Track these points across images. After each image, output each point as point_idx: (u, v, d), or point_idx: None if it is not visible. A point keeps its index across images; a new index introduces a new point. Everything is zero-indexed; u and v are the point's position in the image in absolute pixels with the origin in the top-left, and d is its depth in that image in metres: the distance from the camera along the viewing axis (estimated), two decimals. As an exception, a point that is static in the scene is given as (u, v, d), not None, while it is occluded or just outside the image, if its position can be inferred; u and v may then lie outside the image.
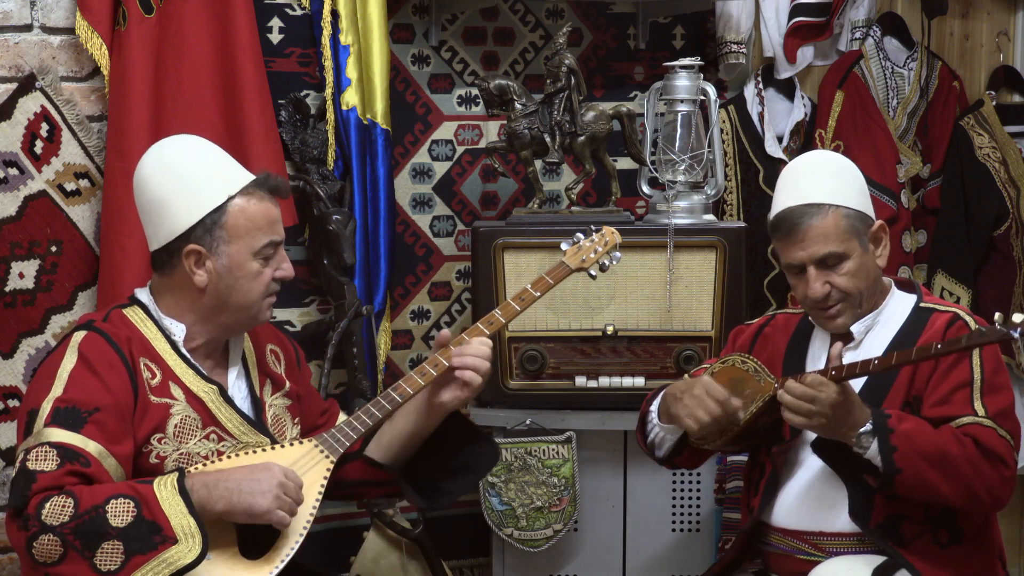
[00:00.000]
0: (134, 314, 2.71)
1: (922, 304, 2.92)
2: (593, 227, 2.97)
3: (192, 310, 2.70)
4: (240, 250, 2.66)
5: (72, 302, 3.47)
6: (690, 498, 3.70)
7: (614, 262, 2.96)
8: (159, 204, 2.68)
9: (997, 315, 2.56)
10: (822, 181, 2.87)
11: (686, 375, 3.03)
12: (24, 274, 3.41)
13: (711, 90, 3.73)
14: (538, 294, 2.85)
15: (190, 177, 2.68)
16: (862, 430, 2.67)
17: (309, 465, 2.66)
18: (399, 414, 2.80)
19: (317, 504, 2.63)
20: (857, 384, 2.77)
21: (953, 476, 2.67)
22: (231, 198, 2.66)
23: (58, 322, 3.44)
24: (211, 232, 2.65)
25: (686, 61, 3.72)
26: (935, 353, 2.64)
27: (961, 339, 2.62)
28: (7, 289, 3.39)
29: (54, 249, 3.44)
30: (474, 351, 2.74)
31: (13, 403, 3.40)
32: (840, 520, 2.82)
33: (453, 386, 2.75)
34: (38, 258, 3.43)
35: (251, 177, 2.71)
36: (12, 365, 3.41)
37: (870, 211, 2.90)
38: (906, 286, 2.99)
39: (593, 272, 2.94)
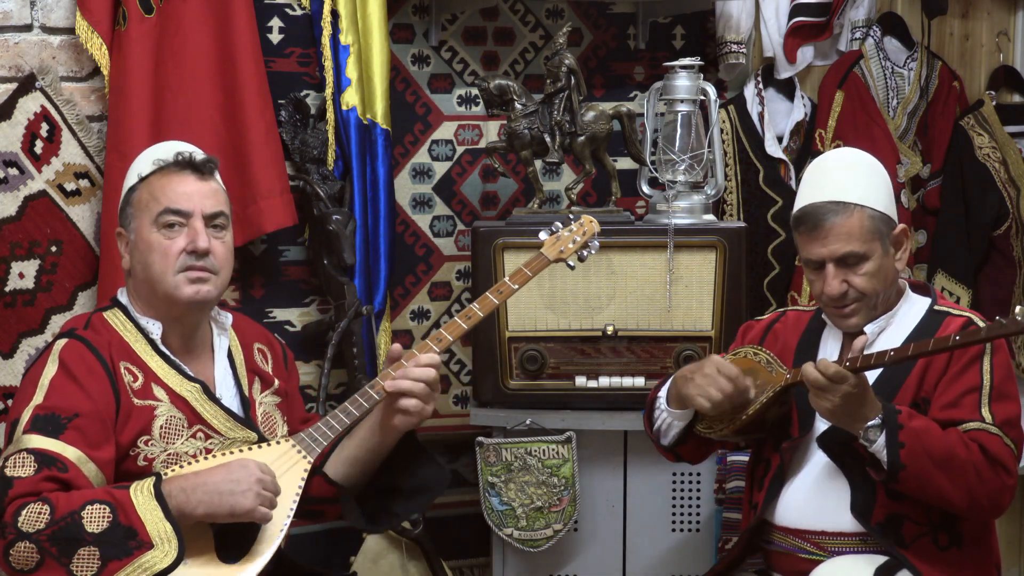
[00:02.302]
0: (114, 317, 2.72)
1: (936, 307, 2.92)
2: (571, 216, 2.96)
3: (138, 298, 2.72)
4: (142, 224, 2.69)
5: (72, 302, 3.47)
6: (690, 498, 3.70)
7: (592, 251, 2.95)
8: None
9: (1018, 308, 2.56)
10: (851, 179, 2.86)
11: None
12: (24, 274, 3.41)
13: (711, 90, 3.73)
14: (516, 286, 2.85)
15: (131, 170, 2.76)
16: (870, 423, 2.67)
17: (287, 465, 2.65)
18: (356, 432, 2.77)
19: (295, 505, 2.62)
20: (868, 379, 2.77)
21: (957, 479, 2.67)
22: (142, 178, 2.71)
23: (58, 322, 3.43)
24: (125, 212, 2.73)
25: (686, 61, 3.72)
26: (953, 345, 2.64)
27: (980, 330, 2.61)
28: (7, 289, 3.39)
29: (54, 249, 3.44)
30: (412, 375, 2.67)
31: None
32: (843, 520, 2.82)
33: (400, 412, 2.70)
34: (38, 258, 3.42)
35: (165, 159, 2.73)
36: (12, 365, 3.41)
37: (894, 214, 2.89)
38: (920, 289, 2.99)
39: (571, 262, 2.93)
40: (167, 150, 2.75)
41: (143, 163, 2.76)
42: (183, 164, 2.71)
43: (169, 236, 2.67)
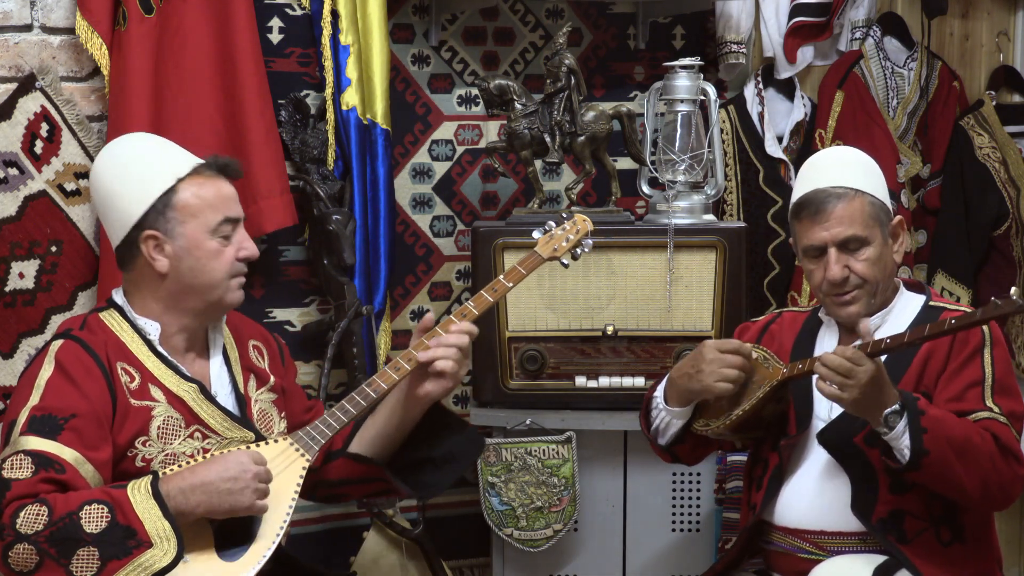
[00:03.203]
0: (110, 317, 2.71)
1: (932, 304, 2.92)
2: (565, 215, 2.97)
3: (159, 300, 2.70)
4: (196, 229, 2.67)
5: (72, 302, 3.47)
6: (690, 498, 3.70)
7: (586, 250, 2.95)
8: (111, 199, 2.70)
9: (1014, 289, 2.55)
10: (848, 170, 2.89)
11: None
12: (24, 274, 3.41)
13: (711, 90, 3.73)
14: (511, 284, 2.85)
15: (136, 167, 2.70)
16: (889, 410, 2.65)
17: (284, 464, 2.65)
18: (380, 408, 2.79)
19: (293, 504, 2.62)
20: None
21: (973, 467, 2.66)
22: (179, 180, 2.67)
23: (58, 322, 3.43)
24: (163, 215, 2.66)
25: (686, 61, 3.72)
26: (972, 323, 2.62)
27: (987, 309, 2.57)
28: (7, 289, 3.39)
29: (54, 249, 3.44)
30: (444, 341, 2.73)
31: (13, 403, 3.40)
32: (842, 519, 2.82)
33: (433, 376, 2.74)
34: (38, 258, 3.43)
35: (198, 161, 2.72)
36: (12, 365, 3.41)
37: (890, 206, 2.92)
38: (915, 287, 2.99)
39: (565, 261, 2.93)
40: (186, 156, 2.73)
41: (175, 163, 2.70)
42: (223, 169, 2.72)
43: (227, 244, 2.69)
